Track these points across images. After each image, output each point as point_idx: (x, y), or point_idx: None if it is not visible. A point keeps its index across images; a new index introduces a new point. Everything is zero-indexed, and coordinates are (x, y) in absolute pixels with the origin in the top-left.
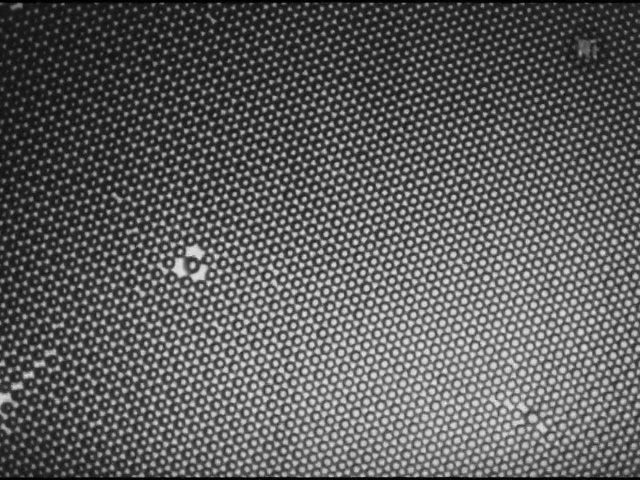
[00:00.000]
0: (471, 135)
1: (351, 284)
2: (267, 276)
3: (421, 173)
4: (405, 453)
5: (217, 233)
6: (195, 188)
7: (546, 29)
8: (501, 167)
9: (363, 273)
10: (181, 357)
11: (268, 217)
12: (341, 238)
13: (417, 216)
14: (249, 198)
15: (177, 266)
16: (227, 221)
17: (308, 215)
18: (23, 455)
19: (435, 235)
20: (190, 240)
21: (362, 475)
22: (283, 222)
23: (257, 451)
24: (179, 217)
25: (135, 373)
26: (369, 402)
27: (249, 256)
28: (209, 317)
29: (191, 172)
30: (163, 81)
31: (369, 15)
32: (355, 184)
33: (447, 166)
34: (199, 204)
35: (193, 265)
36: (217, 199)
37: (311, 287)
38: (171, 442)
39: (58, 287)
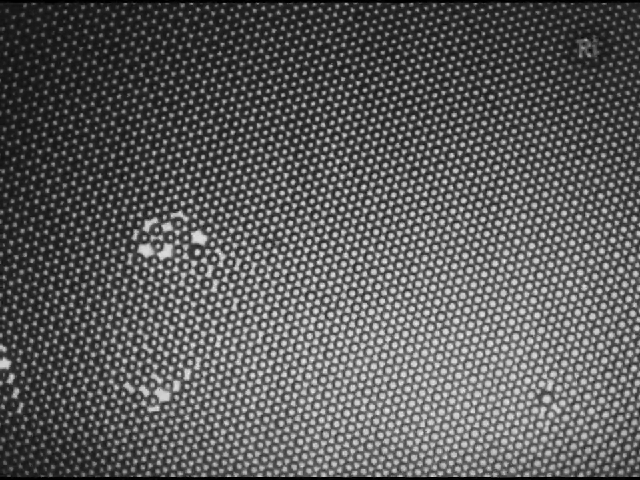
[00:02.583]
0: (473, 133)
1: (351, 270)
2: (271, 260)
3: (425, 161)
4: (407, 441)
5: (220, 218)
6: (198, 175)
7: (546, 29)
8: (504, 165)
9: (365, 263)
10: (186, 337)
11: (272, 203)
12: (346, 224)
13: (423, 203)
14: (252, 184)
15: (176, 252)
16: (230, 207)
17: (312, 201)
18: (24, 436)
19: (442, 222)
20: (193, 225)
21: (364, 463)
22: (287, 208)
23: (259, 438)
24: (182, 204)
25: (139, 358)
26: (370, 392)
27: (253, 241)
28: (207, 284)
29: (192, 159)
30: (162, 71)
31: (369, 9)
32: (359, 171)
33: (448, 163)
34: (202, 190)
35: (197, 252)
36: (220, 185)
37: (311, 277)
38: (173, 428)
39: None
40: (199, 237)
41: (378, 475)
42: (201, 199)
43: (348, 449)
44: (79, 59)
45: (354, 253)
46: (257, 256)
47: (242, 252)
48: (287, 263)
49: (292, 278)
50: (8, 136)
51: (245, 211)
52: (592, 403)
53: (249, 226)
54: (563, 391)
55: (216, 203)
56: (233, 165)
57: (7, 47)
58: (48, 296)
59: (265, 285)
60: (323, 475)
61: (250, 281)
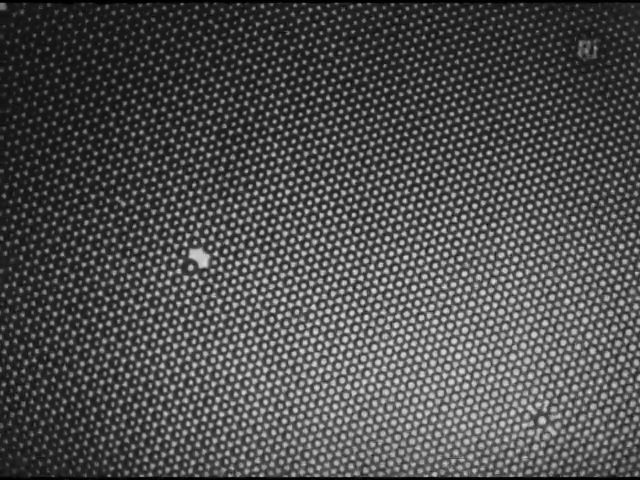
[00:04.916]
0: (473, 138)
1: (362, 278)
2: (282, 265)
3: (422, 162)
4: (414, 454)
5: (221, 236)
6: (199, 191)
7: (546, 29)
8: (506, 173)
9: (376, 271)
10: (184, 342)
11: (273, 220)
12: (347, 241)
13: (426, 210)
14: (254, 202)
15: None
16: (232, 224)
17: (313, 218)
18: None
19: (450, 237)
20: (194, 242)
21: (367, 462)
22: (287, 225)
23: (270, 430)
24: (183, 220)
25: (139, 358)
26: (377, 403)
27: (260, 256)
28: (212, 303)
29: (195, 175)
30: (161, 70)
31: (368, 7)
32: (362, 178)
33: (447, 164)
34: (203, 207)
35: (191, 267)
36: (221, 202)
37: (322, 284)
38: (175, 427)
39: (61, 290)
40: (199, 255)
41: (380, 474)
42: (202, 215)
43: (350, 447)
44: (78, 58)
45: (365, 260)
46: (260, 264)
47: (242, 256)
48: (299, 270)
49: (303, 285)
50: (12, 152)
51: (247, 228)
52: (587, 424)
53: (251, 243)
54: (558, 412)
55: (217, 220)
56: (235, 182)
57: (7, 45)
58: (41, 301)
59: (273, 290)
60: (325, 474)
61: (263, 288)
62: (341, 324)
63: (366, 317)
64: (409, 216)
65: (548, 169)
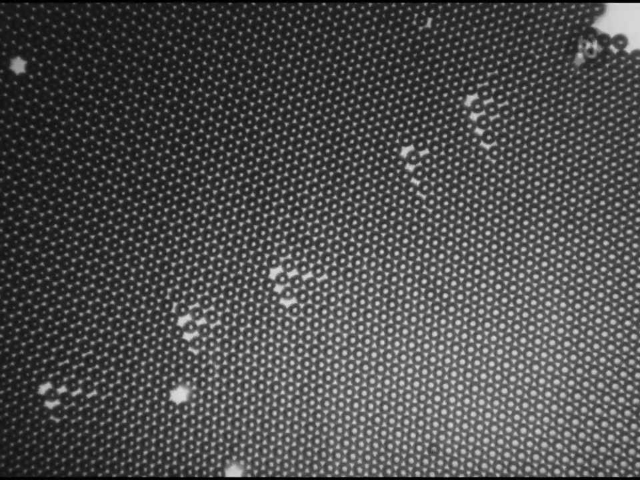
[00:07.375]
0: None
1: (387, 282)
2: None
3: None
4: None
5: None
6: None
7: (546, 29)
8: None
9: (397, 283)
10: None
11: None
12: (375, 238)
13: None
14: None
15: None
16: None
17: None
18: None
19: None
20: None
21: (374, 462)
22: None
23: (287, 440)
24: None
25: (163, 372)
26: (395, 410)
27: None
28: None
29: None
30: (155, 66)
31: (365, 11)
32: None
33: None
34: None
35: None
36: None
37: (345, 284)
38: (197, 420)
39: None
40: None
41: (389, 472)
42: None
43: (363, 448)
44: (74, 53)
45: (388, 265)
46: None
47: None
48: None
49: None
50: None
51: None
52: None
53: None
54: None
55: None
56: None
57: (4, 47)
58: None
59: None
60: (340, 475)
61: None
62: (368, 333)
63: (390, 321)
64: (430, 220)
65: (547, 182)
